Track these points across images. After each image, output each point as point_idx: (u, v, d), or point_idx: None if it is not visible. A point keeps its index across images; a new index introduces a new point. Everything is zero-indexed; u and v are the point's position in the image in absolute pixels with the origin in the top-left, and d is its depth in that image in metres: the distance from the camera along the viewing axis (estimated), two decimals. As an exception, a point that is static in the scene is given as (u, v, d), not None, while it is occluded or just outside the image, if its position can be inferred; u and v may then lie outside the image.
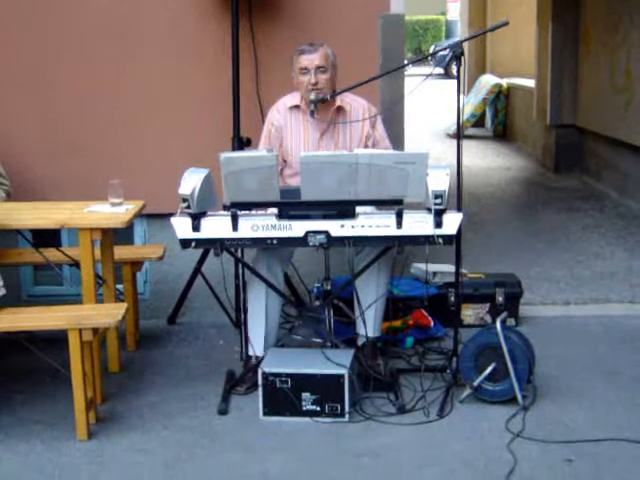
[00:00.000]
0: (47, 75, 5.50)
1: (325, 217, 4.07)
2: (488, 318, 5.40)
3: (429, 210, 4.06)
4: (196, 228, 4.08)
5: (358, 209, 4.10)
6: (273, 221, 4.08)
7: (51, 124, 5.54)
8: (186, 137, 5.54)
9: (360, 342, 4.71)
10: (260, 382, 4.20)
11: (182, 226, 4.09)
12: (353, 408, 4.21)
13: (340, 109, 4.72)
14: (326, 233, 4.07)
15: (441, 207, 4.04)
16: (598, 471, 3.69)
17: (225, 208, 4.12)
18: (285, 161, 4.74)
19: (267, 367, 4.22)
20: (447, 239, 4.10)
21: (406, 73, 5.88)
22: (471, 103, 14.89)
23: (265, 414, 4.21)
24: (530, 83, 12.48)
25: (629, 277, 6.40)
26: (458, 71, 4.40)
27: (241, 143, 5.16)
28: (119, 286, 5.07)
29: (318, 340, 4.63)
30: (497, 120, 14.72)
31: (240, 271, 4.88)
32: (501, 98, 14.47)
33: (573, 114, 10.97)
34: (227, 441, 4.03)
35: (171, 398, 4.49)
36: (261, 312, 4.58)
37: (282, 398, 4.17)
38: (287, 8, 5.44)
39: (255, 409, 4.24)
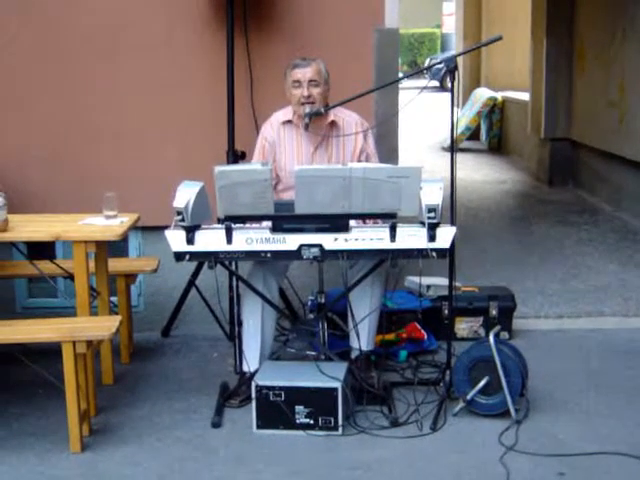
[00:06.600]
0: (44, 88, 5.51)
1: (319, 230, 4.07)
2: (482, 331, 5.41)
3: (423, 224, 4.07)
4: (190, 241, 4.09)
5: (352, 222, 4.12)
6: (267, 234, 4.08)
7: (47, 137, 5.55)
8: (181, 150, 5.55)
9: (354, 355, 4.72)
10: (254, 395, 4.20)
11: (176, 239, 4.10)
12: (346, 421, 4.21)
13: (333, 123, 4.72)
14: (320, 246, 4.07)
15: (434, 221, 4.04)
16: (590, 485, 3.71)
17: (219, 221, 4.13)
18: (278, 176, 4.74)
19: (261, 380, 4.22)
20: (440, 252, 4.11)
21: (401, 86, 5.90)
22: (466, 116, 14.92)
23: (258, 427, 4.21)
24: (525, 96, 12.51)
25: (622, 291, 6.41)
26: (452, 85, 4.41)
27: (236, 156, 5.17)
28: (113, 298, 5.07)
29: (312, 353, 4.64)
30: (492, 133, 14.76)
31: (234, 284, 4.88)
32: (496, 111, 14.52)
33: (567, 128, 11.01)
34: (220, 454, 4.03)
35: (165, 411, 4.49)
36: (257, 326, 4.58)
37: (275, 411, 4.17)
38: (282, 22, 5.47)
39: (249, 422, 4.24)
